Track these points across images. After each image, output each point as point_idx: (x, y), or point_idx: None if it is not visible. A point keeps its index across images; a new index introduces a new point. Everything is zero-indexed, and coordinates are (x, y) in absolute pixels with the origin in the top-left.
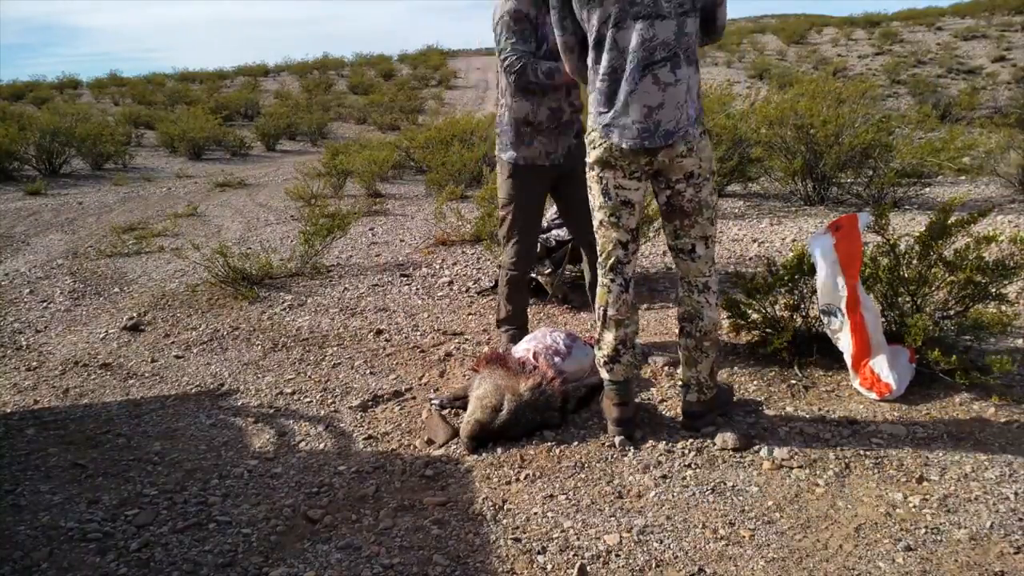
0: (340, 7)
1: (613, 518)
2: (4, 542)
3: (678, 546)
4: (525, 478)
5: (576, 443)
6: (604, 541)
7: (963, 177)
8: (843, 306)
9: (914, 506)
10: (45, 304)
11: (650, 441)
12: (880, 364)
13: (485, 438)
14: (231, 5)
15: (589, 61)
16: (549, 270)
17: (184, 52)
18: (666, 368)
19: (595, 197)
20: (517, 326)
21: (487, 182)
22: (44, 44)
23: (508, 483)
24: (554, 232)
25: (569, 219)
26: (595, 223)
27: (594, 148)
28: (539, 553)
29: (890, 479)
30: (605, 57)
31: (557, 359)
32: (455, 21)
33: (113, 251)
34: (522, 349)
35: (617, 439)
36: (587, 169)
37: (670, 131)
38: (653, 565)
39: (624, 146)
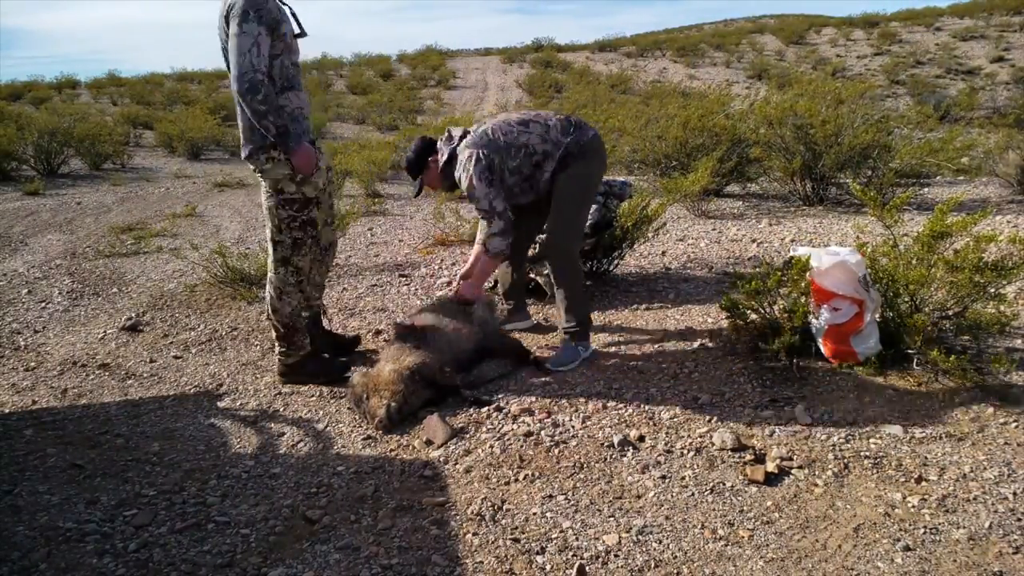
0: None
1: (612, 518)
2: (2, 543)
3: (677, 546)
4: (524, 478)
5: (575, 443)
6: (603, 541)
7: (962, 177)
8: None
9: (913, 506)
10: (43, 304)
11: (649, 441)
12: None
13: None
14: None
15: None
16: (548, 271)
17: (142, 54)
18: (668, 369)
19: None
20: (512, 303)
21: None
22: None
23: (507, 483)
24: None
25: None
26: None
27: None
28: (538, 553)
29: (889, 479)
30: None
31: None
32: (390, 24)
33: (111, 251)
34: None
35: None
36: None
37: None
38: (652, 565)
39: None
